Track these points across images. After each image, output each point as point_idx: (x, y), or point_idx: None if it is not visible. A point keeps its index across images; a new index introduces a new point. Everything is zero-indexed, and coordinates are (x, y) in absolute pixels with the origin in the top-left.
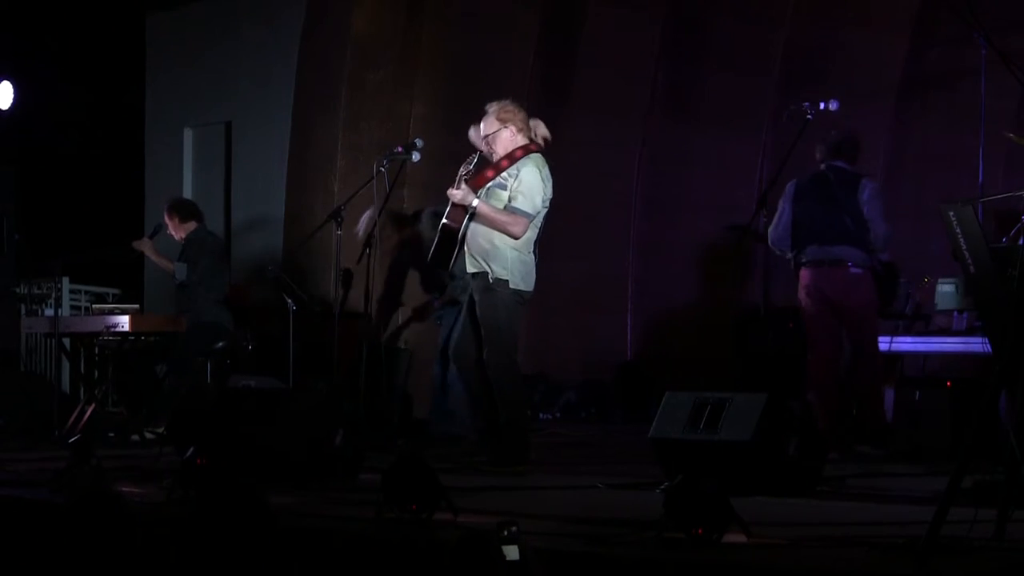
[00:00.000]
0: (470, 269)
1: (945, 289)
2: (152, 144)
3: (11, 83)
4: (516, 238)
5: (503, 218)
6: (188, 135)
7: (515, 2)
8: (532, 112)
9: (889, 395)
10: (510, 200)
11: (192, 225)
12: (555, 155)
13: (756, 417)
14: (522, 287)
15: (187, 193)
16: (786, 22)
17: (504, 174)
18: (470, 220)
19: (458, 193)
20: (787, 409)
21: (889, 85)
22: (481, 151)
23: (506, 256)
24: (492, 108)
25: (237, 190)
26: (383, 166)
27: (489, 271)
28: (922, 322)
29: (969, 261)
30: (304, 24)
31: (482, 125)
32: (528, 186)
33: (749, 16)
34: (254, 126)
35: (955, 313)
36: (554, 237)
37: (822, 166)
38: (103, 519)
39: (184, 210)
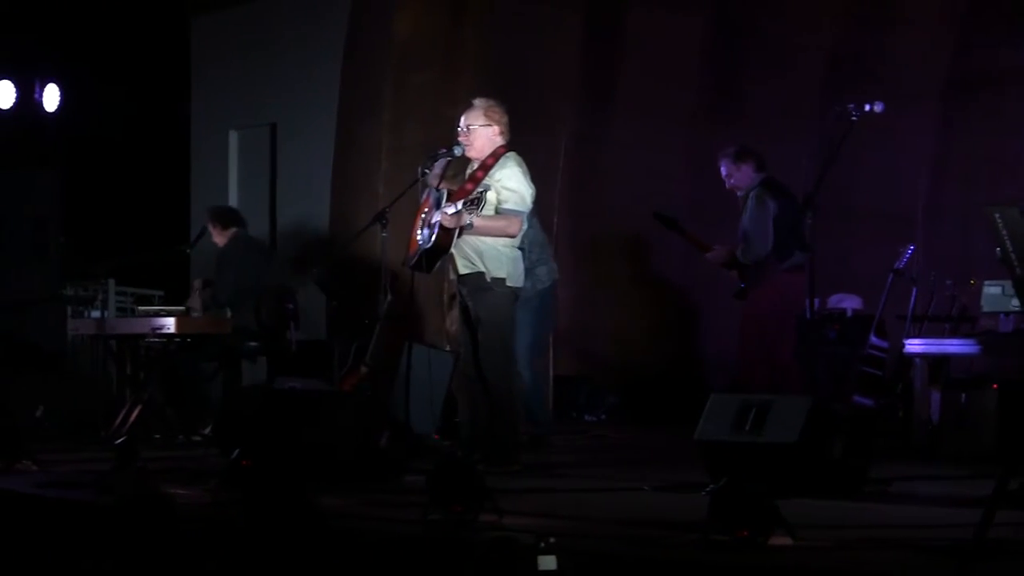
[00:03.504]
0: (462, 271)
1: (991, 291)
2: (197, 146)
3: (57, 86)
4: (513, 237)
5: (499, 224)
6: (233, 137)
7: (558, 4)
8: (576, 114)
9: (935, 397)
10: (501, 203)
11: (232, 232)
12: (599, 157)
13: (801, 419)
14: (517, 285)
15: (232, 196)
16: (831, 24)
17: (489, 174)
18: (459, 236)
19: (451, 220)
20: (832, 411)
21: (934, 86)
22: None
23: (501, 254)
24: (481, 103)
25: (282, 192)
26: (427, 168)
27: (485, 270)
28: (968, 324)
29: (1015, 263)
30: (348, 26)
31: (468, 114)
32: (516, 185)
33: (794, 18)
34: (299, 128)
35: (1001, 315)
36: (598, 239)
37: (763, 175)
38: (150, 520)
39: (224, 218)
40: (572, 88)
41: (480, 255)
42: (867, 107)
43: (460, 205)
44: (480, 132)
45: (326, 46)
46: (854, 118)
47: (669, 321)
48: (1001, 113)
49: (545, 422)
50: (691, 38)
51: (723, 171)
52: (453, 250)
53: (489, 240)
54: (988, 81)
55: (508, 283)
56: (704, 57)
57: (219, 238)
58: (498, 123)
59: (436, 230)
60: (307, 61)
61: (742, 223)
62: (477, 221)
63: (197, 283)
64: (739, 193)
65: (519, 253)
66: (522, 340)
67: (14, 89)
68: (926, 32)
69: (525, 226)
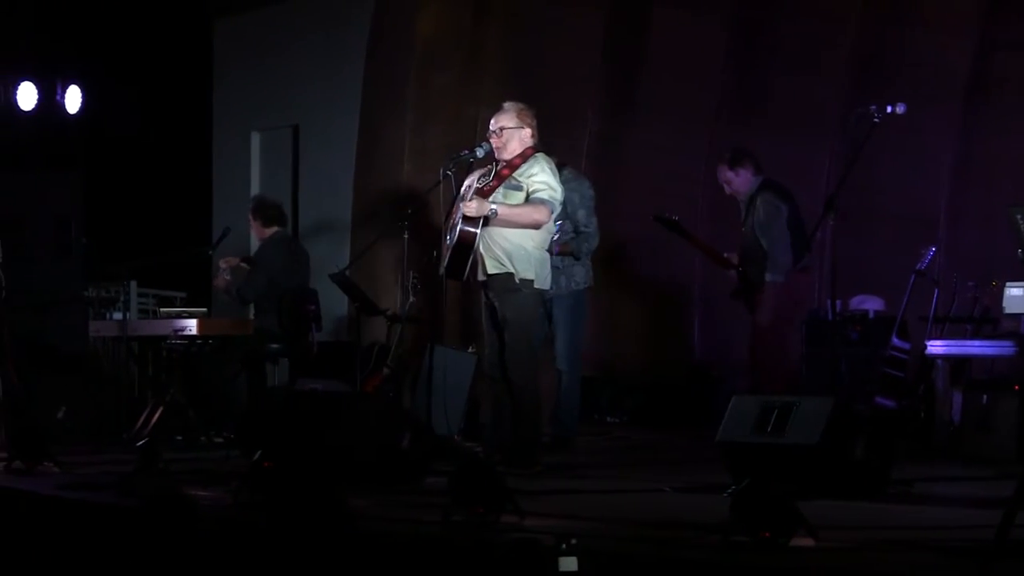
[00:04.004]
0: (491, 271)
1: (1013, 292)
2: (220, 147)
3: (79, 87)
4: (540, 227)
5: (525, 210)
6: (255, 138)
7: (581, 5)
8: (598, 115)
9: (957, 398)
10: (532, 192)
11: (272, 230)
12: (620, 158)
13: (823, 421)
14: (544, 287)
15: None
16: (852, 25)
17: (517, 172)
18: (484, 227)
19: (472, 206)
20: (854, 412)
21: (956, 88)
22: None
23: (529, 255)
24: (512, 105)
25: (304, 193)
26: (450, 169)
27: (514, 271)
28: (990, 325)
29: None
30: (370, 28)
31: (499, 116)
32: (547, 178)
33: (815, 19)
34: (321, 130)
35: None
36: (621, 240)
37: (761, 178)
38: (172, 522)
39: (266, 214)
40: (594, 89)
41: (509, 256)
42: (889, 108)
43: (476, 182)
44: (512, 134)
45: (348, 47)
46: (876, 120)
47: (690, 322)
48: (1023, 113)
49: (571, 424)
50: (713, 39)
51: (720, 178)
52: (482, 250)
53: (517, 240)
54: (1010, 82)
55: (535, 284)
56: (726, 58)
57: (258, 232)
58: (529, 125)
59: (459, 224)
60: (329, 63)
61: (752, 232)
62: (502, 209)
63: (230, 261)
64: (740, 199)
65: (547, 256)
66: (560, 337)
67: (36, 91)
68: (948, 33)
69: (554, 229)
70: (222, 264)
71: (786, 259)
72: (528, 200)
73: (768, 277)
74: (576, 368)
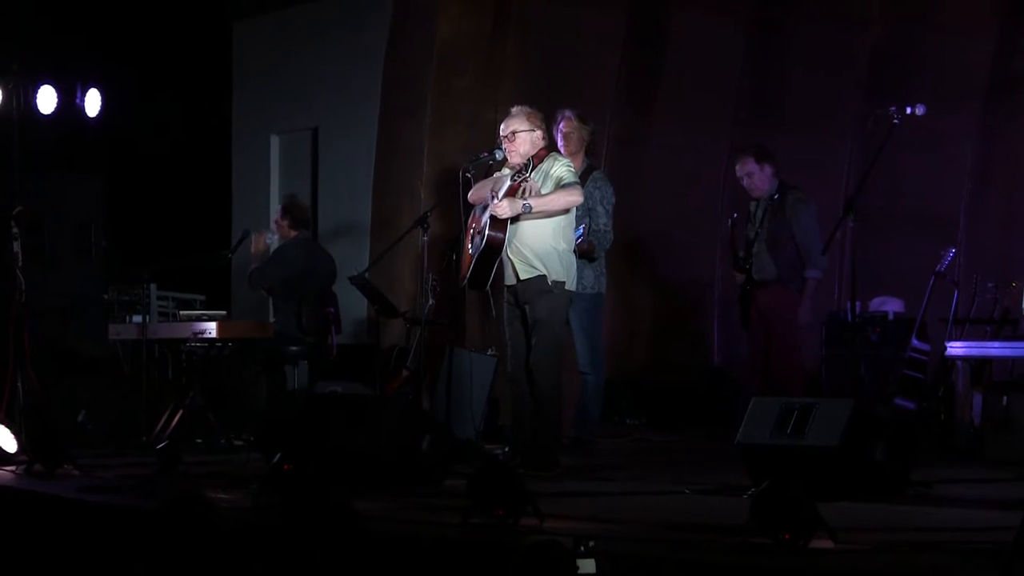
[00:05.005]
0: (523, 276)
1: None
2: (239, 151)
3: (99, 91)
4: (570, 208)
5: (558, 194)
6: (275, 142)
7: (600, 8)
8: (617, 118)
9: (977, 400)
10: (560, 180)
11: (297, 232)
12: (639, 160)
13: (843, 422)
14: (573, 289)
15: (273, 200)
16: (872, 26)
17: (535, 172)
18: (512, 224)
19: (504, 206)
20: (874, 414)
21: (976, 89)
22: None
23: (561, 256)
24: (521, 109)
25: (324, 196)
26: (469, 172)
27: (547, 273)
28: (1010, 327)
29: None
30: (390, 30)
31: (510, 121)
32: (567, 164)
33: (834, 20)
34: (341, 132)
35: None
36: (640, 241)
37: (778, 181)
38: (192, 525)
39: (296, 215)
40: (613, 91)
41: (540, 258)
42: (909, 110)
43: (508, 180)
44: (525, 137)
45: (367, 50)
46: (896, 121)
47: (710, 324)
48: None
49: (592, 427)
50: (732, 41)
51: (741, 170)
52: (511, 255)
53: (550, 242)
54: None
55: (567, 286)
56: (745, 60)
57: (283, 231)
58: (539, 128)
59: (486, 230)
60: (348, 65)
61: (775, 231)
62: (534, 200)
63: (267, 238)
64: (756, 195)
65: (574, 257)
66: (579, 340)
67: (56, 94)
68: (968, 35)
69: (572, 233)
70: (269, 235)
71: (820, 256)
72: (557, 187)
73: (809, 274)
74: (599, 371)
